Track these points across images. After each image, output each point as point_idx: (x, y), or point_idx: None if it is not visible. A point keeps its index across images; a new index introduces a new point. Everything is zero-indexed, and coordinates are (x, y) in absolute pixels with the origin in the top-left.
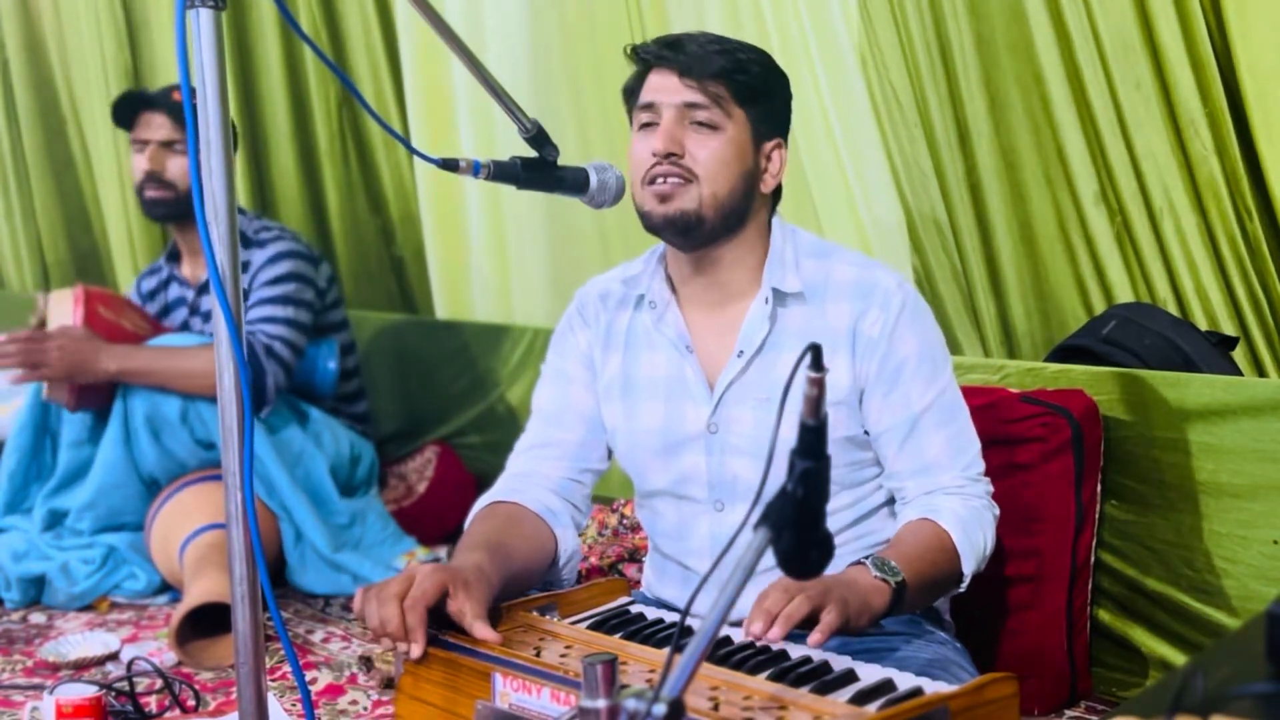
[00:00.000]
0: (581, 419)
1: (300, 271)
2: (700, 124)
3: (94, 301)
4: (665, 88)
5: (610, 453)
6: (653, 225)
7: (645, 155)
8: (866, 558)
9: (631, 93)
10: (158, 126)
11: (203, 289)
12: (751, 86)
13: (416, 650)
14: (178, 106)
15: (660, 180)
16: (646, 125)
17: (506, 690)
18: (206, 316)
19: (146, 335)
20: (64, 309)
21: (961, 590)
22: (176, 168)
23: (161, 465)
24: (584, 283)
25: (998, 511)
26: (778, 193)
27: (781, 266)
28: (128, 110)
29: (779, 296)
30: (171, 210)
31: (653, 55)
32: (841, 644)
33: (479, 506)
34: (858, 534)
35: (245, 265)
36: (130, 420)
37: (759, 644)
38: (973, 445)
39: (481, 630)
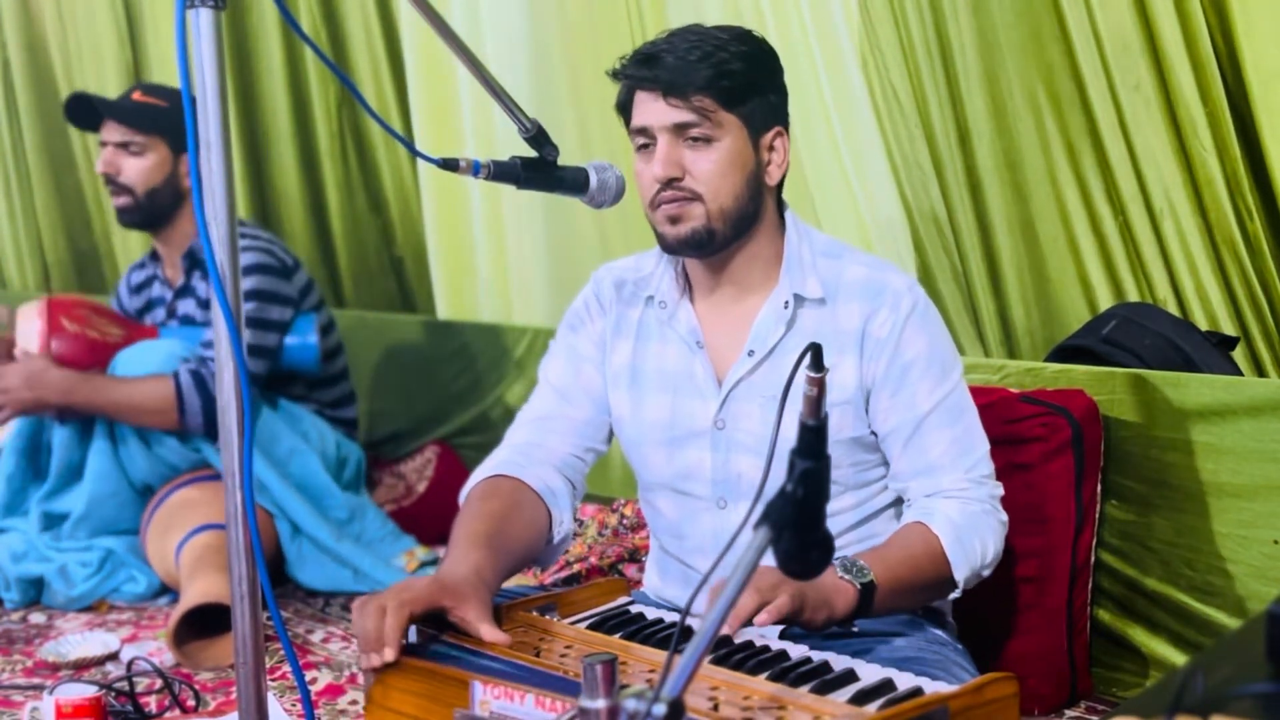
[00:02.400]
0: (590, 398)
1: (263, 288)
2: (695, 139)
3: (56, 314)
4: (653, 111)
5: (611, 435)
6: (668, 247)
7: (648, 179)
8: (836, 559)
9: (624, 109)
10: (113, 129)
11: (179, 293)
12: (738, 89)
13: (388, 654)
14: (129, 110)
15: (667, 204)
16: (644, 146)
17: (487, 698)
18: (183, 320)
19: (115, 341)
20: (28, 325)
21: (957, 596)
22: (132, 170)
23: (154, 471)
24: (585, 281)
25: (1005, 518)
26: (784, 179)
27: (801, 269)
28: (83, 113)
29: (798, 300)
30: (135, 218)
31: (633, 78)
32: (842, 644)
33: (480, 477)
34: (861, 536)
35: None
36: (117, 429)
37: (758, 644)
38: (979, 447)
39: (490, 634)
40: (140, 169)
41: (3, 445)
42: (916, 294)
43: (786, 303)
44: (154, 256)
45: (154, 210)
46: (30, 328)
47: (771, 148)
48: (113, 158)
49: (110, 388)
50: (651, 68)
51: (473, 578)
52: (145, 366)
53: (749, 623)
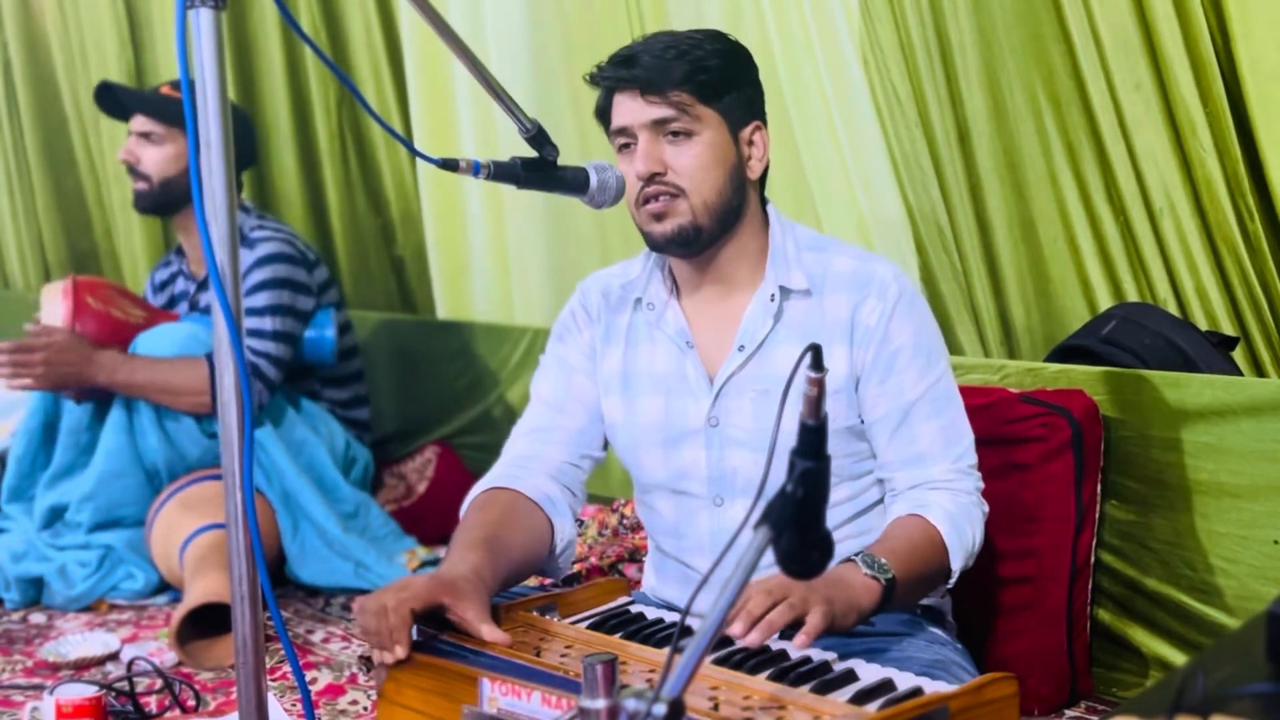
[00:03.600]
0: (583, 406)
1: (287, 276)
2: (675, 134)
3: (82, 292)
4: (632, 109)
5: (607, 443)
6: (655, 244)
7: (631, 178)
8: (856, 554)
9: (603, 114)
10: (138, 119)
11: (202, 285)
12: (715, 83)
13: (400, 652)
14: (151, 102)
15: (651, 201)
16: (625, 147)
17: (495, 695)
18: (205, 311)
19: (138, 322)
20: (53, 303)
21: (949, 587)
22: (150, 159)
23: (164, 455)
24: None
25: (986, 509)
26: (765, 173)
27: (785, 263)
28: (113, 102)
29: (784, 293)
30: (149, 204)
31: (611, 79)
32: (842, 645)
33: (477, 492)
34: (859, 529)
35: None
36: (134, 406)
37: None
38: (965, 437)
39: (490, 633)
40: (158, 159)
41: (16, 428)
42: (903, 283)
43: (773, 295)
44: (179, 252)
45: (168, 199)
46: (55, 308)
47: (751, 141)
48: (133, 147)
49: (148, 368)
50: (629, 68)
51: (471, 577)
52: (165, 348)
53: (789, 637)
